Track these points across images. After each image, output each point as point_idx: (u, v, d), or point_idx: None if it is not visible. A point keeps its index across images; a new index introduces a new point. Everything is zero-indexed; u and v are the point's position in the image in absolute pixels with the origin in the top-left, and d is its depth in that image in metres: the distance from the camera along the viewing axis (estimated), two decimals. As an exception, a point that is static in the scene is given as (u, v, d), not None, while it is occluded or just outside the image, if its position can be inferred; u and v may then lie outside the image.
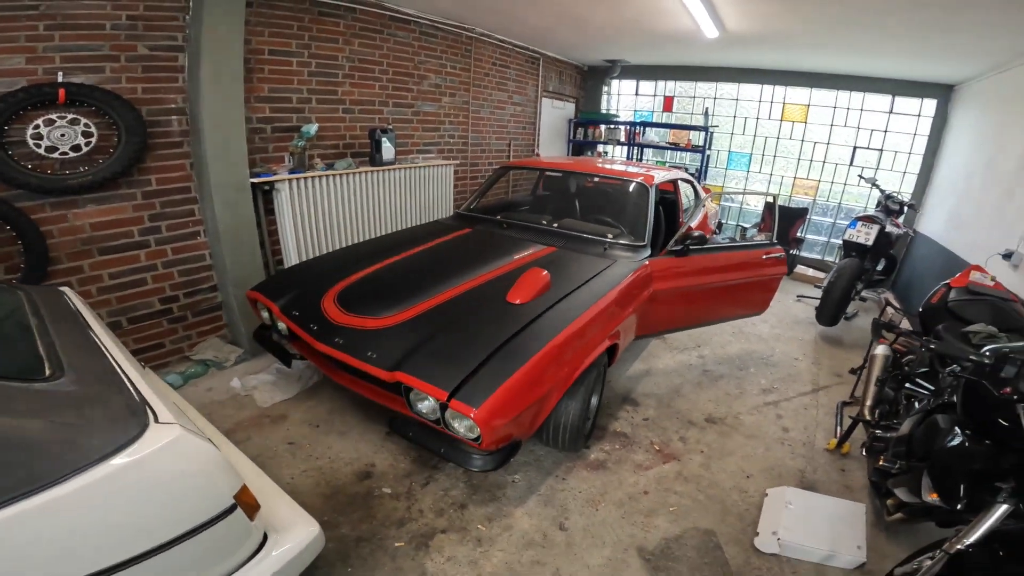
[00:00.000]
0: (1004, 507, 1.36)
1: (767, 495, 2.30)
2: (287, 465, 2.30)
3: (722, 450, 2.67)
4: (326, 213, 3.43)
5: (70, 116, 2.40)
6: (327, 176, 3.37)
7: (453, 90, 4.58)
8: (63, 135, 2.39)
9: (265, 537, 1.28)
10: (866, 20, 3.24)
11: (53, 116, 2.36)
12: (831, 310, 4.16)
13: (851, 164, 5.79)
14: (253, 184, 3.06)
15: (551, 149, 6.36)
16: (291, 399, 2.80)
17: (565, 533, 2.03)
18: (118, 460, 0.94)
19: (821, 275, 5.65)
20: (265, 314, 2.58)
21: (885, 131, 5.62)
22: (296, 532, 1.34)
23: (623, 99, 6.80)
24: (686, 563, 1.94)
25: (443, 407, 1.80)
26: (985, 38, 3.27)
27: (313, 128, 3.30)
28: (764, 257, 3.37)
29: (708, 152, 6.01)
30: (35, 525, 0.85)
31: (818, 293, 4.95)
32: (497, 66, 5.03)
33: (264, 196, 3.21)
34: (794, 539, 1.99)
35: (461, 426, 1.82)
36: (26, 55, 2.29)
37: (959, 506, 1.51)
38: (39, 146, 2.34)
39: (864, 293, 4.96)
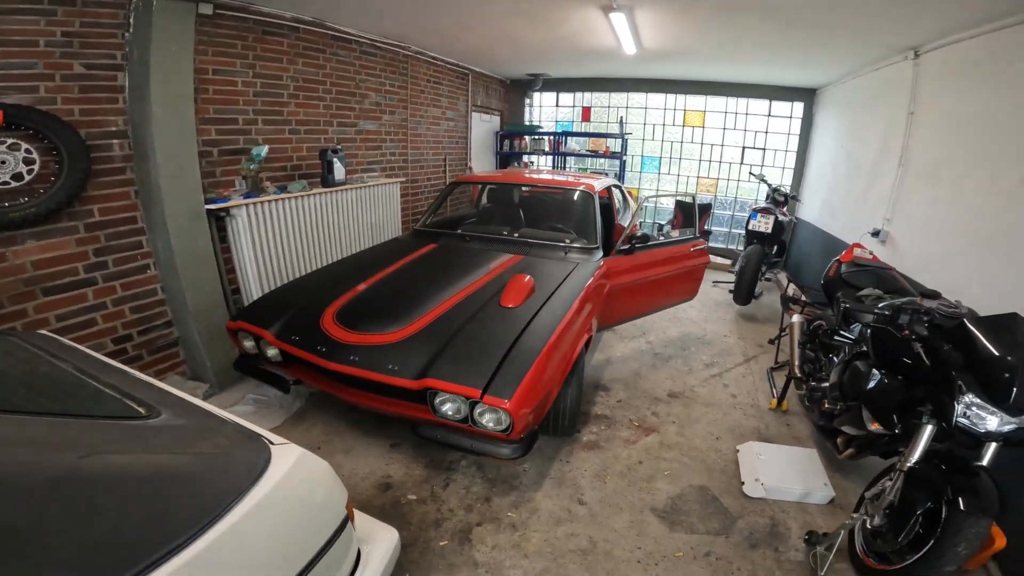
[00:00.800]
0: (930, 427, 1.76)
1: (739, 451, 2.69)
2: None
3: (690, 418, 3.05)
4: (283, 238, 3.34)
5: (10, 141, 2.19)
6: (283, 199, 3.28)
7: (392, 108, 4.62)
8: (3, 162, 2.17)
9: (358, 550, 1.34)
10: (750, 37, 3.87)
11: None
12: (745, 291, 4.82)
13: (742, 162, 6.68)
14: (208, 211, 2.92)
15: (481, 162, 6.58)
16: (280, 427, 2.73)
17: (586, 507, 2.25)
18: (267, 481, 0.99)
19: (728, 262, 6.46)
20: (249, 343, 2.50)
21: (766, 132, 6.56)
22: (380, 541, 1.41)
23: (544, 111, 7.23)
24: (694, 514, 2.25)
25: (473, 404, 1.94)
26: (840, 50, 4.02)
27: (264, 150, 3.21)
28: (692, 250, 3.87)
29: (624, 158, 6.59)
30: (215, 557, 0.88)
31: (730, 277, 5.69)
32: (431, 83, 5.15)
33: (216, 223, 3.06)
34: (774, 483, 2.39)
35: (489, 420, 1.98)
36: (-49, 75, 2.06)
37: (896, 430, 1.94)
38: None
39: (768, 274, 5.75)
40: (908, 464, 1.77)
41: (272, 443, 1.10)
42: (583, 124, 7.11)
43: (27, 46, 2.25)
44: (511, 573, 1.90)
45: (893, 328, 2.08)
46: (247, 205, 3.05)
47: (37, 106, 2.28)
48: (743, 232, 5.82)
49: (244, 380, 3.10)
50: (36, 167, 2.27)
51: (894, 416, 1.96)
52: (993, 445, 1.69)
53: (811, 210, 5.84)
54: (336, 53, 3.88)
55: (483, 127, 6.49)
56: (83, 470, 0.81)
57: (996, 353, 1.66)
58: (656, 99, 6.73)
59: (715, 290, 5.69)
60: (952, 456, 1.78)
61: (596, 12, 3.34)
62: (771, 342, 4.08)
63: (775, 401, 3.23)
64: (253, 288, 3.18)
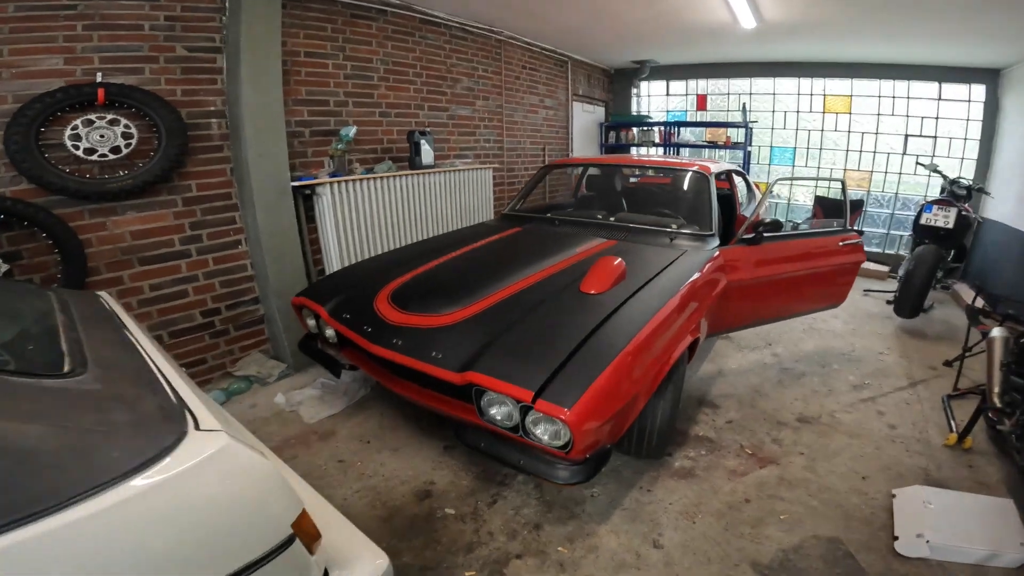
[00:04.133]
0: None
1: (895, 496, 1.93)
2: (338, 484, 2.02)
3: (825, 451, 2.28)
4: (367, 218, 3.23)
5: (109, 117, 2.27)
6: (368, 180, 3.18)
7: (486, 93, 4.40)
8: (102, 136, 2.24)
9: (326, 573, 0.98)
10: (904, 3, 2.95)
11: (92, 117, 2.22)
12: (912, 301, 3.72)
13: (904, 152, 5.38)
14: (294, 189, 2.89)
15: (584, 153, 6.11)
16: (338, 414, 2.55)
17: (661, 551, 1.69)
18: (146, 478, 0.66)
19: (885, 268, 5.19)
20: (311, 322, 2.35)
21: (936, 118, 5.26)
22: (362, 566, 1.04)
23: (654, 100, 6.54)
24: (814, 575, 1.56)
25: (525, 410, 1.51)
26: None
27: (352, 131, 3.14)
28: (841, 244, 3.04)
29: (749, 148, 5.65)
30: (29, 563, 0.57)
31: (885, 286, 4.55)
32: (527, 69, 4.87)
33: (304, 202, 3.04)
34: (944, 540, 1.67)
35: (545, 432, 1.54)
36: (64, 56, 2.19)
37: None
38: (77, 148, 2.19)
39: (944, 283, 4.42)
40: None
41: (197, 428, 0.79)
42: (698, 114, 6.29)
43: (133, 30, 2.35)
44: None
45: None
46: (332, 183, 2.97)
47: (141, 87, 2.37)
48: (908, 234, 4.64)
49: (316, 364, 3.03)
50: (134, 142, 2.33)
51: None
52: None
53: (1003, 206, 4.45)
54: (425, 37, 3.76)
55: (586, 118, 6.02)
56: None
57: None
58: (786, 84, 5.71)
59: (867, 300, 4.57)
60: None
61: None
62: (948, 364, 3.09)
63: (955, 436, 2.32)
64: (336, 267, 3.09)
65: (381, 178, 3.24)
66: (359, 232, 3.19)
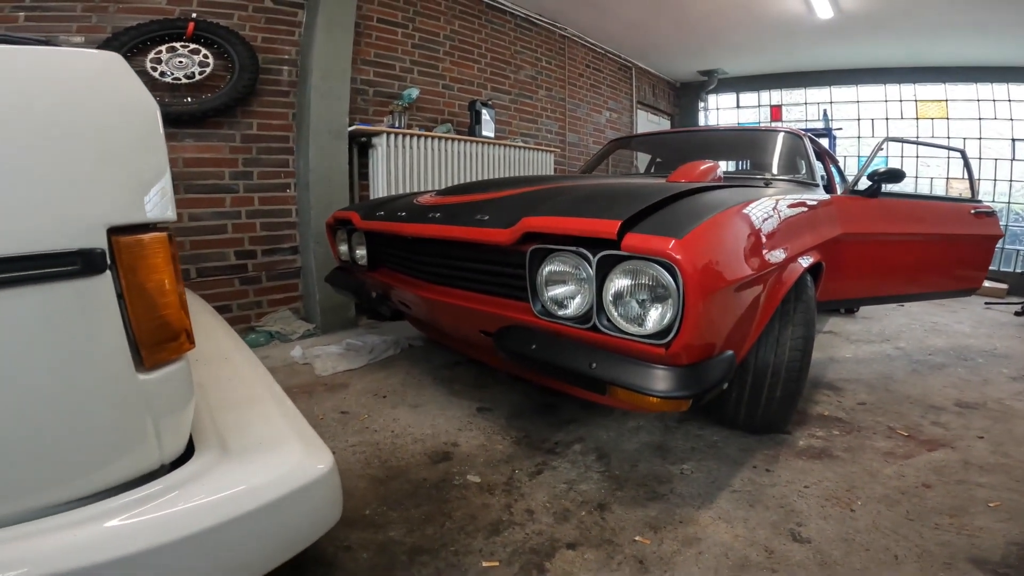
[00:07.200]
0: None
1: None
2: (331, 436, 1.59)
3: (1012, 436, 1.66)
4: (421, 177, 2.97)
5: (192, 47, 2.25)
6: (425, 137, 2.96)
7: (549, 85, 4.23)
8: (181, 63, 2.20)
9: (192, 446, 0.62)
10: None
11: (177, 45, 2.22)
12: (1061, 302, 2.98)
13: (1013, 159, 4.71)
14: (351, 136, 2.73)
15: (647, 166, 5.79)
16: (357, 369, 2.16)
17: (807, 546, 1.09)
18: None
19: (1003, 285, 4.39)
20: (343, 248, 2.06)
21: None
22: (283, 457, 0.62)
23: (723, 113, 6.17)
24: None
25: (606, 267, 1.06)
26: None
27: (415, 92, 3.01)
28: (973, 212, 2.48)
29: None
30: None
31: (1004, 303, 3.93)
32: (591, 68, 4.69)
33: (360, 154, 2.86)
34: None
35: (631, 312, 1.06)
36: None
37: None
38: (155, 71, 2.15)
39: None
40: None
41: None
42: (773, 124, 5.89)
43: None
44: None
45: None
46: (389, 133, 2.77)
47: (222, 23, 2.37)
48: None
49: (348, 328, 2.75)
50: (209, 70, 2.29)
51: None
52: None
53: None
54: (490, 21, 3.70)
55: (651, 127, 5.75)
56: None
57: None
58: (870, 91, 5.25)
59: (990, 312, 3.80)
60: None
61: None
62: None
63: None
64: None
65: (439, 138, 3.01)
66: (411, 190, 2.94)
